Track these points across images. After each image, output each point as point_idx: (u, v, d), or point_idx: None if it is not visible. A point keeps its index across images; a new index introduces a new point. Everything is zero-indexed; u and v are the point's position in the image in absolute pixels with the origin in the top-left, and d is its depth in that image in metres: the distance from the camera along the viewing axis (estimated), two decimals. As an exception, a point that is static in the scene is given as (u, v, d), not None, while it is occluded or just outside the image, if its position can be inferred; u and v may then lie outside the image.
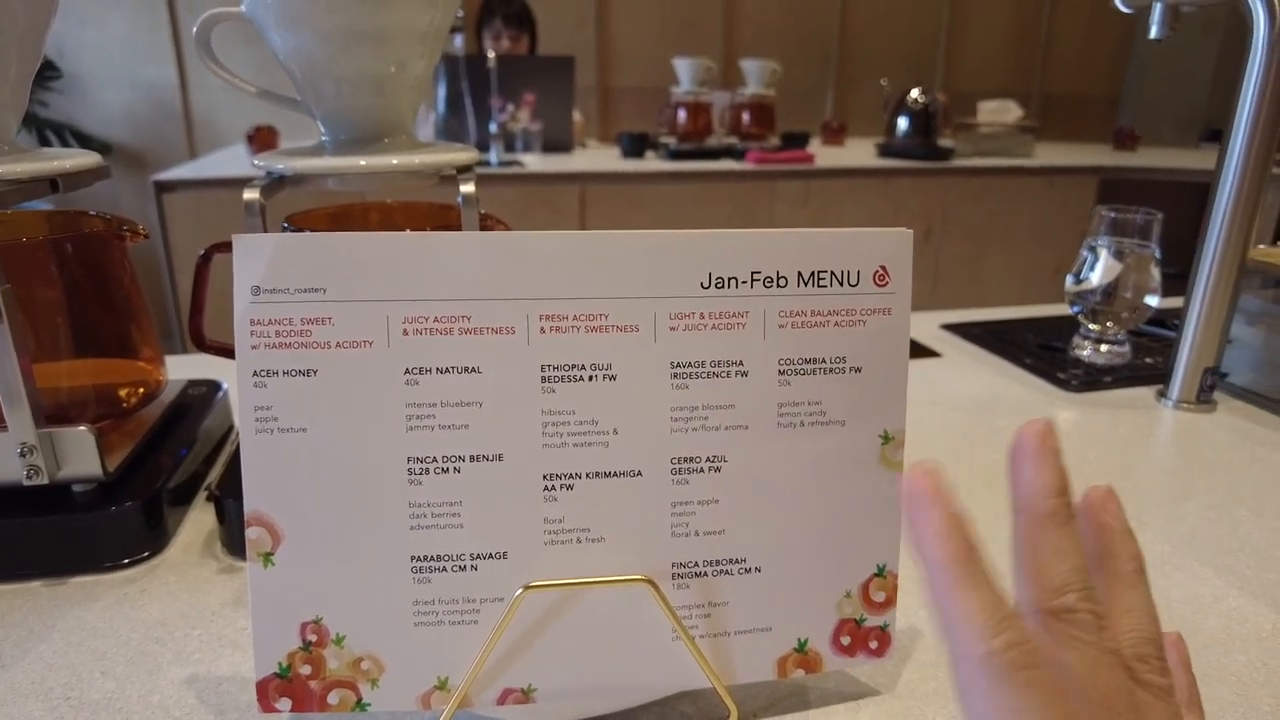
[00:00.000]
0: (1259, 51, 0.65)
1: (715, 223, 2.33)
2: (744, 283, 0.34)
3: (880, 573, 0.37)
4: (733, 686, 0.37)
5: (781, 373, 0.35)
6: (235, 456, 0.53)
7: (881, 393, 0.36)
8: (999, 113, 2.78)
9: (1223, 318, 0.71)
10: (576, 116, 2.67)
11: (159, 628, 0.43)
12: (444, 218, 0.57)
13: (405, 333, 0.32)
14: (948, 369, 0.84)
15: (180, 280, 2.02)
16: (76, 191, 0.47)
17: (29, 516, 0.47)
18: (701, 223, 2.32)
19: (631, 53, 3.25)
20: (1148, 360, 0.83)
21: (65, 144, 2.79)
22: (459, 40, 2.45)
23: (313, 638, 0.33)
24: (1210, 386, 0.73)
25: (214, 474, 0.59)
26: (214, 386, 0.64)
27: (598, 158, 2.56)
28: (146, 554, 0.49)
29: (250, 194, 0.43)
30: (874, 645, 0.38)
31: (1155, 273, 0.78)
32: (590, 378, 0.33)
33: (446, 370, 0.33)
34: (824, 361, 0.35)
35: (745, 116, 2.69)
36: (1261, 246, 0.73)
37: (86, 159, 0.48)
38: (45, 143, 2.76)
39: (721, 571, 0.36)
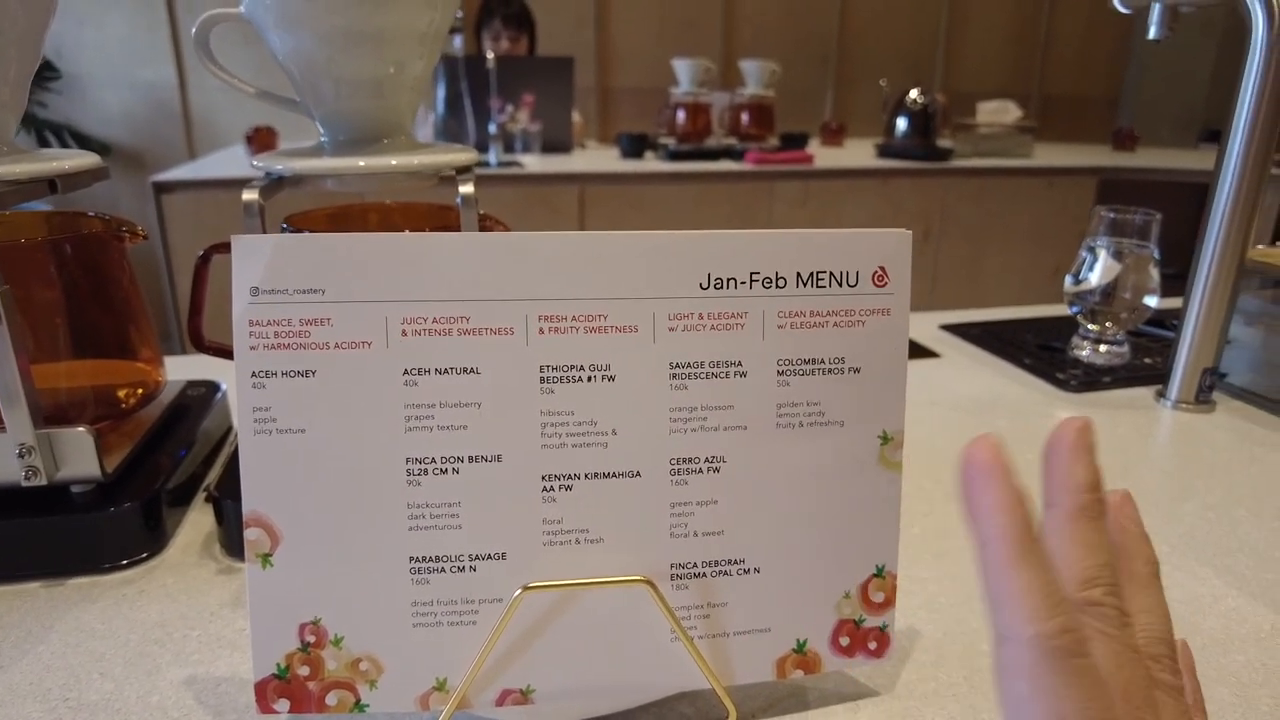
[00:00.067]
0: (1257, 52, 0.65)
1: (714, 223, 2.33)
2: (743, 283, 0.34)
3: (879, 573, 0.37)
4: (731, 687, 0.37)
5: (780, 373, 0.35)
6: (234, 457, 0.53)
7: (880, 393, 0.36)
8: (998, 113, 2.78)
9: (1221, 318, 0.71)
10: (576, 117, 2.67)
11: (157, 629, 0.43)
12: (443, 218, 0.57)
13: (404, 333, 0.32)
14: (947, 369, 0.84)
15: (179, 281, 2.02)
16: (75, 192, 0.47)
17: (27, 517, 0.47)
18: (701, 223, 2.32)
19: (630, 53, 3.25)
20: (1146, 360, 0.83)
21: (64, 145, 2.79)
22: (458, 41, 2.46)
23: (311, 639, 0.33)
24: (1209, 387, 0.73)
25: (213, 475, 0.59)
26: (213, 387, 0.64)
27: (597, 158, 2.57)
28: (145, 555, 0.49)
29: (249, 195, 0.43)
30: (873, 646, 0.38)
31: (1154, 273, 0.78)
32: (589, 378, 0.33)
33: (445, 371, 0.33)
34: (823, 362, 0.35)
35: (744, 117, 2.69)
36: (1260, 247, 0.73)
37: (85, 160, 0.48)
38: (44, 143, 2.77)
39: (720, 572, 0.36)
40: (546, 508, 0.34)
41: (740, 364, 0.34)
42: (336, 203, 0.58)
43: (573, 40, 3.12)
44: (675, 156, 2.51)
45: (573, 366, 0.33)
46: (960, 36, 3.56)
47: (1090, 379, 0.79)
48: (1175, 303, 0.77)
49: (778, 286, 0.34)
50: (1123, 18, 0.72)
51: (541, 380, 0.33)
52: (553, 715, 0.36)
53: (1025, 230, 2.63)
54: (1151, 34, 0.71)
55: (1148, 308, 0.79)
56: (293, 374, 0.32)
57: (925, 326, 0.97)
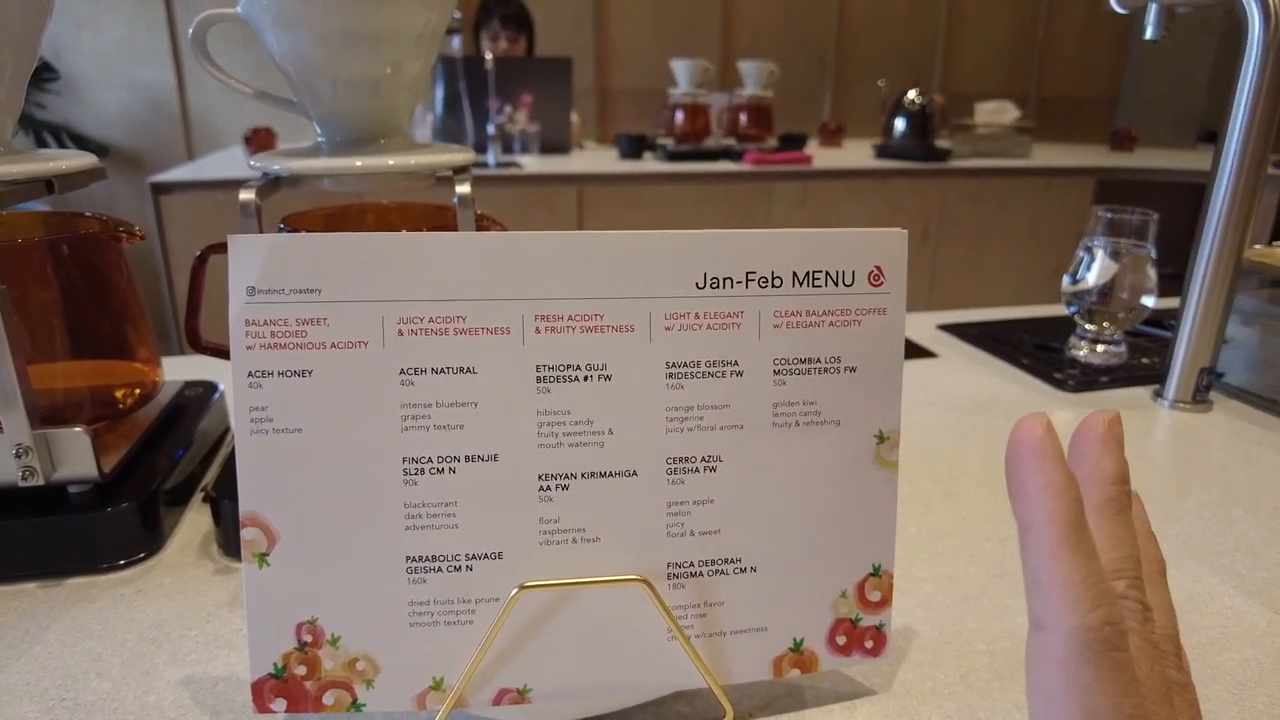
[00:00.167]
0: (1254, 52, 0.65)
1: (713, 224, 2.33)
2: (739, 283, 0.34)
3: (876, 572, 0.37)
4: (728, 686, 0.37)
5: (776, 372, 0.35)
6: (231, 457, 0.53)
7: (877, 392, 0.36)
8: (996, 114, 2.79)
9: (1218, 318, 0.72)
10: (574, 118, 2.68)
11: (155, 629, 0.43)
12: (440, 219, 0.57)
13: (400, 333, 0.32)
14: (944, 369, 0.84)
15: (177, 281, 2.02)
16: (73, 193, 0.47)
17: (24, 517, 0.47)
18: (699, 224, 2.32)
19: (629, 54, 3.25)
20: (1144, 360, 0.84)
21: (62, 145, 2.79)
22: (457, 41, 2.46)
23: (308, 638, 0.33)
24: (1206, 386, 0.73)
25: (210, 475, 0.59)
26: (210, 388, 0.64)
27: (595, 159, 2.57)
28: (142, 555, 0.49)
29: (246, 195, 0.43)
30: (869, 645, 0.38)
31: (1151, 273, 0.78)
32: (585, 378, 0.33)
33: (441, 370, 0.33)
34: (819, 361, 0.35)
35: (743, 118, 2.69)
36: (1257, 247, 0.74)
37: (82, 160, 0.48)
38: (42, 144, 2.77)
39: (717, 571, 0.36)
40: (543, 507, 0.34)
41: (736, 363, 0.34)
42: (334, 203, 0.58)
43: (571, 41, 3.12)
44: (674, 157, 2.51)
45: (569, 366, 0.33)
46: (958, 37, 3.56)
47: (1088, 379, 0.79)
48: (1172, 303, 0.77)
49: (774, 286, 0.34)
50: (1121, 18, 0.72)
51: (538, 380, 0.33)
52: (550, 714, 0.36)
53: (1023, 230, 2.63)
54: (1148, 34, 0.71)
55: (1145, 308, 0.79)
56: (289, 374, 0.32)
57: (923, 326, 0.97)
